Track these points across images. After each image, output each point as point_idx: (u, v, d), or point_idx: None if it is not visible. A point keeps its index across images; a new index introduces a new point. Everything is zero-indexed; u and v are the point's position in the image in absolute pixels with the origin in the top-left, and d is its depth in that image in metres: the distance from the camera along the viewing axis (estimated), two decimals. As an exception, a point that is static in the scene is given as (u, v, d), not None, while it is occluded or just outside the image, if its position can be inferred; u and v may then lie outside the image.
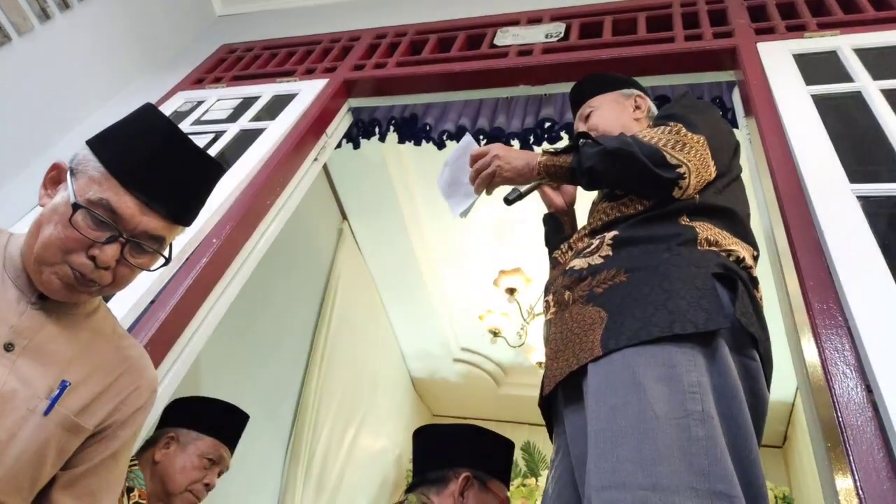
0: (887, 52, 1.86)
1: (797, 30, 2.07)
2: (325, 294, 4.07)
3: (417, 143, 2.47)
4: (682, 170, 1.23)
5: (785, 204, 1.48)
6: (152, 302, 1.57)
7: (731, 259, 1.22)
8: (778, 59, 1.93)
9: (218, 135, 2.25)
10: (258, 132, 2.21)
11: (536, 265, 3.87)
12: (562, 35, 2.39)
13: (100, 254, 0.96)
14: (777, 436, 4.84)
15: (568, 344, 1.19)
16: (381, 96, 2.51)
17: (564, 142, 1.95)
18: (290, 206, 2.15)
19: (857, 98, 1.71)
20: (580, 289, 1.24)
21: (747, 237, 1.31)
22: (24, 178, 2.24)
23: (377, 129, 2.53)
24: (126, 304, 1.49)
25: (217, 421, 1.91)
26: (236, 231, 1.83)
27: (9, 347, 0.97)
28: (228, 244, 1.79)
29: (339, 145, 2.55)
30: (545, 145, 1.31)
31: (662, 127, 1.31)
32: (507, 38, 2.46)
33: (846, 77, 1.80)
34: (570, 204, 1.61)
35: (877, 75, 1.75)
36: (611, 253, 1.25)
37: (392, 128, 2.49)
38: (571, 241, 1.42)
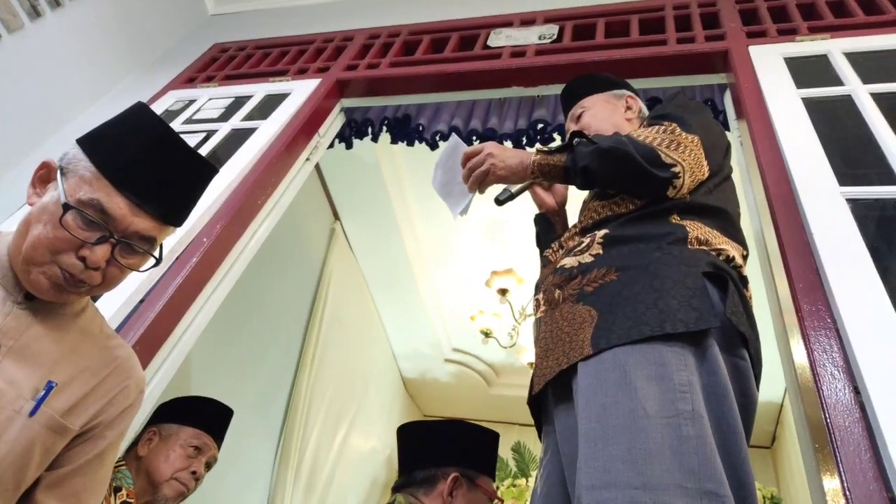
0: (877, 56, 1.87)
1: (788, 33, 2.08)
2: (317, 294, 4.06)
3: (410, 144, 2.47)
4: (676, 169, 1.23)
5: (775, 206, 1.49)
6: (141, 301, 1.56)
7: (721, 258, 1.22)
8: (769, 62, 1.94)
9: (209, 134, 2.24)
10: (250, 132, 2.20)
11: (528, 266, 3.88)
12: (555, 37, 2.40)
13: (90, 254, 0.95)
14: (765, 436, 4.87)
15: (558, 343, 1.19)
16: (373, 96, 2.51)
17: (557, 142, 1.95)
18: (282, 205, 2.14)
19: (847, 101, 1.72)
20: (570, 287, 1.24)
21: (737, 236, 1.32)
22: (13, 177, 2.22)
23: (370, 130, 2.52)
24: (115, 303, 1.48)
25: (197, 412, 1.93)
26: (227, 230, 1.82)
27: (-5, 347, 0.96)
28: (219, 244, 1.78)
29: (331, 145, 2.54)
30: (538, 146, 1.32)
31: (657, 126, 1.31)
32: (500, 39, 2.46)
33: (836, 80, 1.81)
34: (562, 204, 1.62)
35: (867, 79, 1.77)
36: (601, 251, 1.25)
37: (385, 128, 2.49)
38: (562, 239, 1.42)
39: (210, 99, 2.52)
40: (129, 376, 1.12)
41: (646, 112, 1.62)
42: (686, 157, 1.25)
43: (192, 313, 1.67)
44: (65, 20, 2.52)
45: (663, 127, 1.30)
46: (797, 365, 1.26)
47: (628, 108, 1.58)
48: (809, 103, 1.73)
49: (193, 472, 1.83)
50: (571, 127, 1.59)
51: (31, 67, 2.37)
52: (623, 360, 1.06)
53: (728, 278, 1.17)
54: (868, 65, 1.83)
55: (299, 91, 2.40)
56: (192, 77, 2.74)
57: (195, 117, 2.42)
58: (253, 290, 3.18)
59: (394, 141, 2.51)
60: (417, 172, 3.87)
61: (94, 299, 1.28)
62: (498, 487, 4.33)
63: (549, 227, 1.58)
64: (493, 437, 1.96)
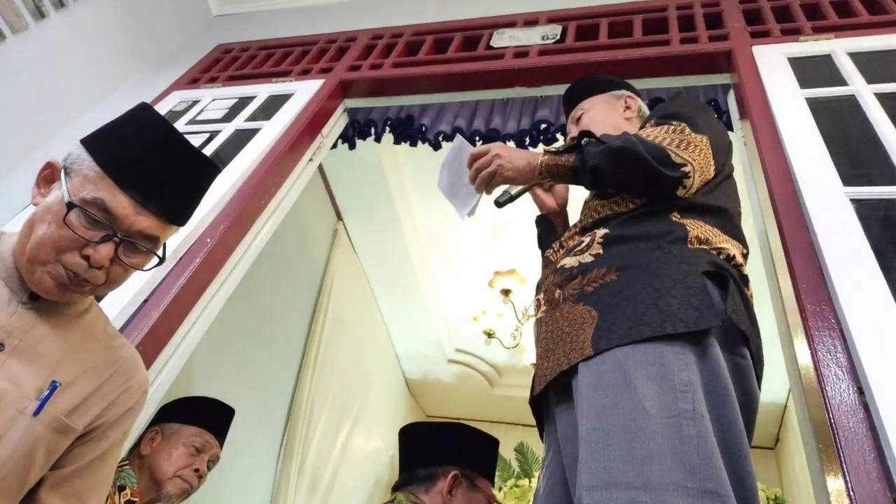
0: (881, 56, 1.87)
1: (792, 33, 2.08)
2: (320, 294, 4.06)
3: (413, 144, 2.47)
4: (687, 169, 1.23)
5: (779, 206, 1.49)
6: (145, 301, 1.56)
7: (721, 257, 1.22)
8: (773, 62, 1.93)
9: (213, 135, 2.25)
10: (253, 132, 2.20)
11: (531, 266, 3.88)
12: (558, 37, 2.40)
13: (94, 253, 0.96)
14: (769, 437, 4.86)
15: (559, 343, 1.18)
16: (377, 97, 2.51)
17: (561, 142, 1.95)
18: (285, 206, 2.15)
19: (852, 101, 1.72)
20: (571, 287, 1.24)
21: (737, 234, 1.32)
22: (17, 177, 2.23)
23: (373, 130, 2.53)
24: (119, 303, 1.48)
25: (199, 412, 1.94)
26: (230, 231, 1.82)
27: (-1, 346, 0.96)
28: (222, 244, 1.78)
29: (334, 146, 2.54)
30: (542, 146, 1.30)
31: (665, 126, 1.31)
32: (503, 39, 2.46)
33: (840, 81, 1.81)
34: (563, 205, 1.62)
35: (871, 79, 1.76)
36: (601, 251, 1.25)
37: (388, 128, 2.49)
38: (563, 238, 1.42)
39: (214, 99, 2.52)
40: (133, 377, 1.12)
41: (646, 111, 1.62)
42: (696, 157, 1.25)
43: (196, 313, 1.67)
44: (69, 21, 2.53)
45: (672, 126, 1.30)
46: (801, 365, 1.26)
47: (627, 107, 1.58)
48: (813, 103, 1.73)
49: (196, 470, 1.84)
50: (572, 129, 1.60)
51: (35, 68, 2.38)
52: (623, 360, 1.06)
53: (728, 277, 1.17)
54: (872, 65, 1.83)
55: (303, 91, 2.40)
56: (195, 78, 2.75)
57: (199, 118, 2.42)
58: (256, 291, 3.19)
59: (397, 141, 2.51)
60: (420, 173, 3.87)
61: (98, 299, 1.29)
62: (500, 488, 4.32)
63: (550, 228, 1.58)
64: (494, 443, 1.97)
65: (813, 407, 1.17)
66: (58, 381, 1.00)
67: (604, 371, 1.07)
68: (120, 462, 1.77)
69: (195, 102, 2.53)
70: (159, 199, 1.00)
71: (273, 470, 3.56)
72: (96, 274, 0.98)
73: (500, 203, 1.45)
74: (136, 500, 1.73)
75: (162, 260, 1.05)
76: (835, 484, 1.03)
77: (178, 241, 1.67)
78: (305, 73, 2.58)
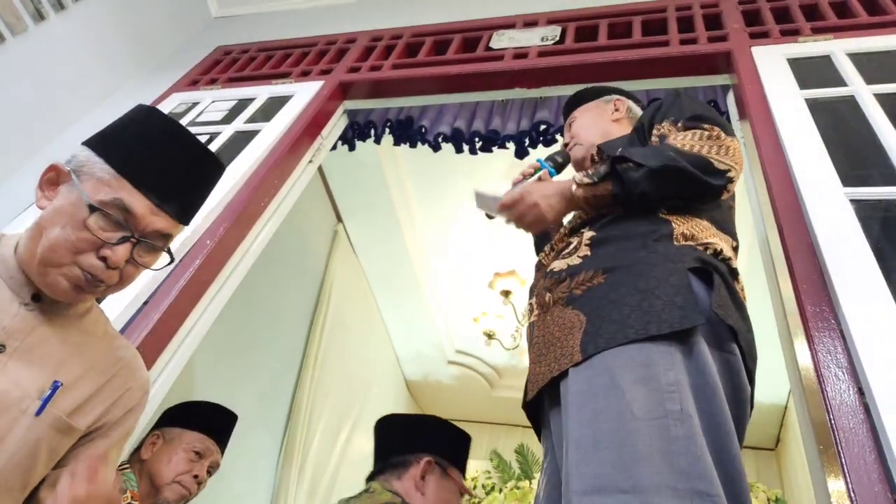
0: (881, 57, 1.87)
1: (791, 34, 2.08)
2: (320, 296, 4.07)
3: (413, 146, 2.47)
4: (731, 174, 1.24)
5: (778, 207, 1.49)
6: (146, 302, 1.57)
7: (708, 252, 1.21)
8: (772, 63, 1.94)
9: (213, 136, 2.25)
10: (253, 134, 2.21)
11: (531, 268, 3.88)
12: (557, 38, 2.40)
13: (111, 254, 0.97)
14: (769, 438, 4.85)
15: (550, 348, 1.18)
16: (376, 98, 2.51)
17: (559, 145, 1.94)
18: (285, 207, 2.15)
19: (851, 102, 1.72)
20: (560, 290, 1.24)
21: (727, 228, 1.32)
22: (18, 179, 2.23)
23: (372, 131, 2.53)
24: (119, 304, 1.49)
25: (201, 417, 1.94)
26: (231, 232, 1.82)
27: (0, 348, 0.96)
28: (222, 245, 1.78)
29: (334, 147, 2.55)
30: (578, 176, 1.26)
31: (697, 132, 1.29)
32: (502, 41, 2.47)
33: (840, 81, 1.81)
34: None
35: (870, 79, 1.77)
36: (589, 253, 1.25)
37: (387, 130, 2.49)
38: (553, 241, 1.42)
39: (213, 101, 2.52)
40: (134, 377, 1.13)
41: (637, 111, 1.64)
42: (737, 160, 1.26)
43: (196, 315, 1.67)
44: (68, 23, 2.53)
45: (706, 132, 1.29)
46: (801, 366, 1.26)
47: (616, 109, 1.62)
48: (812, 104, 1.73)
49: (195, 476, 1.83)
50: (566, 135, 1.66)
51: (35, 70, 2.38)
52: (611, 364, 1.05)
53: (714, 272, 1.16)
54: (871, 65, 1.83)
55: (302, 93, 2.40)
56: (195, 79, 2.75)
57: (198, 120, 2.42)
58: (256, 292, 3.19)
59: (396, 143, 2.51)
60: (420, 174, 3.87)
61: (99, 300, 1.29)
62: (501, 490, 4.32)
63: (545, 233, 1.59)
64: (467, 438, 2.00)
65: (813, 408, 1.17)
66: (59, 381, 1.00)
67: (592, 376, 1.06)
68: (121, 465, 1.77)
69: (195, 104, 2.53)
70: (174, 198, 1.02)
71: (273, 471, 3.56)
72: (112, 274, 0.99)
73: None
74: (135, 503, 1.73)
75: (173, 259, 1.07)
76: (835, 485, 1.03)
77: (178, 243, 1.67)
78: (305, 75, 2.58)
